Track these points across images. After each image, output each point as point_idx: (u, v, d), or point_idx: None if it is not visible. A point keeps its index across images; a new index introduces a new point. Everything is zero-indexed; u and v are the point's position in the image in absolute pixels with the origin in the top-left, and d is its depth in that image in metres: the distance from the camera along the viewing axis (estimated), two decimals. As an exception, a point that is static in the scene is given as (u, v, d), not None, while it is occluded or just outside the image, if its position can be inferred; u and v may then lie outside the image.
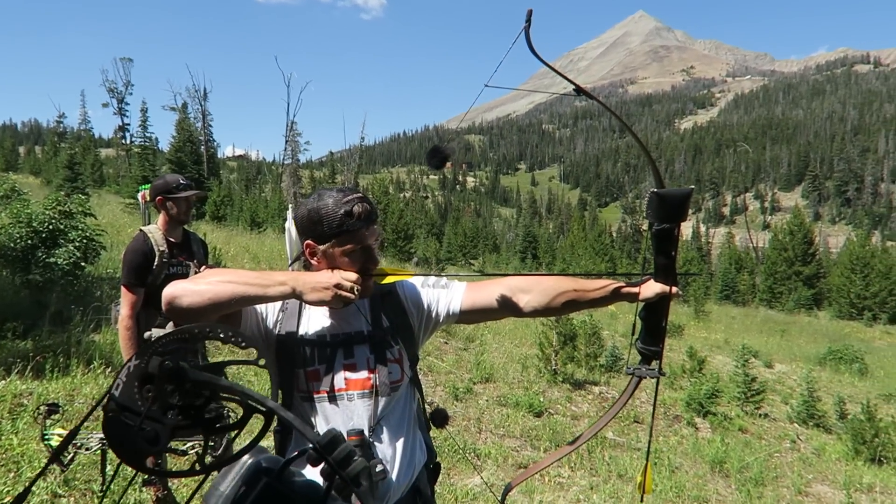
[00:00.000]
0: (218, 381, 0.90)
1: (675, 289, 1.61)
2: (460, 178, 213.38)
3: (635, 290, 1.66)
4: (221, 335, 1.00)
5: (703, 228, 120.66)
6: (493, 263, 42.26)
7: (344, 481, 0.76)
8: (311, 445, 0.79)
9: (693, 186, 1.60)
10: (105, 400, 0.87)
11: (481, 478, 4.94)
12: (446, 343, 9.61)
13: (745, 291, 40.12)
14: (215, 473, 0.89)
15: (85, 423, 0.89)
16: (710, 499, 5.84)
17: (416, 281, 1.82)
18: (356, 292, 1.53)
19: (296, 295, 1.50)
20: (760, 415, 9.87)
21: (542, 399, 7.75)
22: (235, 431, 0.94)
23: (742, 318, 28.44)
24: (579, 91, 1.50)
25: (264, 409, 0.90)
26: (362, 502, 0.78)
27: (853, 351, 17.67)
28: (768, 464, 7.36)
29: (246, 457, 0.82)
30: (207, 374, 0.90)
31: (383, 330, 1.69)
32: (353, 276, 1.55)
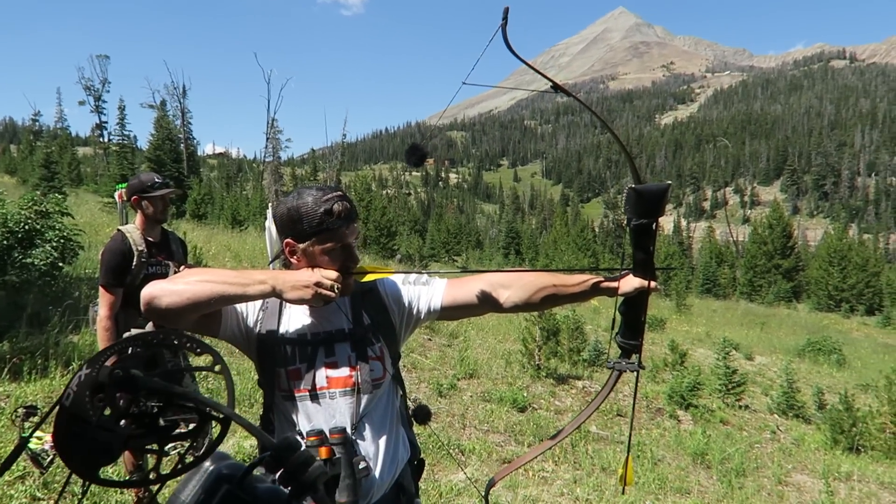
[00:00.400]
0: (172, 388, 0.89)
1: (653, 283, 1.62)
2: (443, 175, 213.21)
3: (614, 284, 1.66)
4: (175, 342, 0.98)
5: (683, 223, 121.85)
6: (477, 260, 42.35)
7: (301, 487, 0.75)
8: (268, 452, 0.79)
9: (670, 182, 1.61)
10: (55, 410, 0.85)
11: (465, 473, 4.95)
12: (430, 340, 9.61)
13: (726, 285, 40.61)
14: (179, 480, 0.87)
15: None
16: (692, 490, 5.90)
17: (397, 278, 1.81)
18: (336, 290, 1.53)
19: (276, 294, 1.49)
20: (741, 406, 10.00)
21: (525, 394, 7.78)
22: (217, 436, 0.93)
23: (723, 311, 28.76)
24: (557, 88, 1.50)
25: (220, 416, 0.89)
26: None
27: (831, 342, 17.96)
28: (749, 455, 7.45)
29: (207, 464, 0.81)
30: (161, 381, 0.89)
31: (364, 327, 1.68)
32: (334, 274, 1.54)
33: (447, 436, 5.92)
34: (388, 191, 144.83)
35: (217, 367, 1.00)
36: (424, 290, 1.78)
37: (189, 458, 0.91)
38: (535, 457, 1.79)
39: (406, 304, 1.77)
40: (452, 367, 8.45)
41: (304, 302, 1.52)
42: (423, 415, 1.84)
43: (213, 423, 0.93)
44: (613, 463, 6.03)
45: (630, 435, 1.89)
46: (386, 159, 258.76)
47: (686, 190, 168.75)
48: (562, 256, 34.54)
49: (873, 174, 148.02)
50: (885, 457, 8.41)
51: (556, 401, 8.12)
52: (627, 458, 1.68)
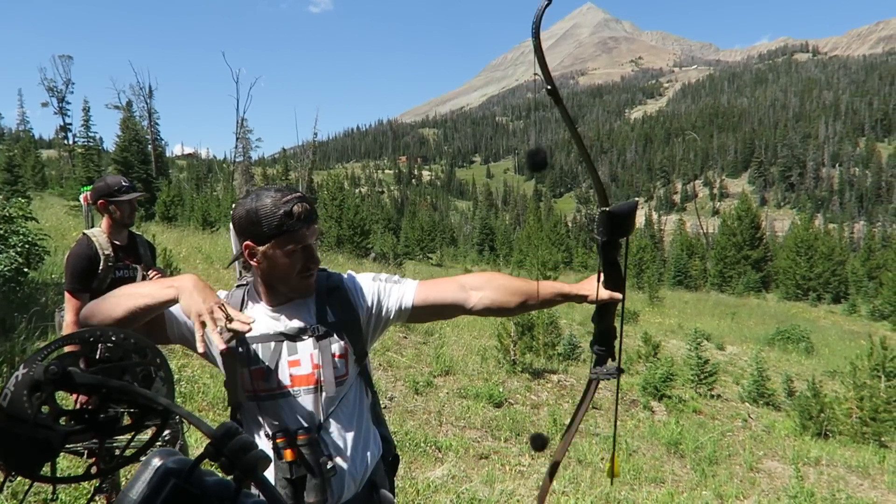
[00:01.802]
0: (107, 381, 0.91)
1: (619, 295, 1.65)
2: (415, 172, 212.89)
3: (584, 293, 1.69)
4: (113, 338, 1.00)
5: (655, 216, 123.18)
6: (451, 257, 42.41)
7: (241, 474, 0.77)
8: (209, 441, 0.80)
9: (638, 199, 1.63)
10: None
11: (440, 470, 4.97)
12: (405, 338, 9.60)
13: (697, 276, 41.16)
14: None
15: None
16: (666, 479, 6.00)
17: (367, 276, 1.81)
18: (211, 336, 1.38)
19: (176, 300, 1.45)
20: (713, 396, 10.17)
21: (501, 389, 7.82)
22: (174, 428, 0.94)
23: (694, 302, 29.17)
24: (551, 93, 1.45)
25: (160, 408, 0.90)
26: (266, 491, 0.79)
27: (800, 331, 18.34)
28: (721, 443, 7.59)
29: (156, 460, 0.82)
30: (96, 376, 0.91)
31: (328, 325, 1.68)
32: (221, 323, 1.39)
33: (424, 433, 5.92)
34: (361, 189, 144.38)
35: (157, 360, 1.02)
36: (395, 289, 1.77)
37: (128, 453, 0.94)
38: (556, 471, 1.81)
39: (375, 302, 1.76)
40: (428, 364, 8.46)
41: (187, 314, 1.42)
42: (539, 443, 1.77)
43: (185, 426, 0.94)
44: (589, 455, 6.11)
45: (615, 433, 1.92)
46: (358, 157, 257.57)
47: (656, 183, 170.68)
48: (535, 252, 34.75)
49: (837, 165, 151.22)
50: (851, 441, 8.64)
51: (532, 395, 8.17)
52: (613, 454, 1.73)
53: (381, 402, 6.48)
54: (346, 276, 1.80)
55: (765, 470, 6.97)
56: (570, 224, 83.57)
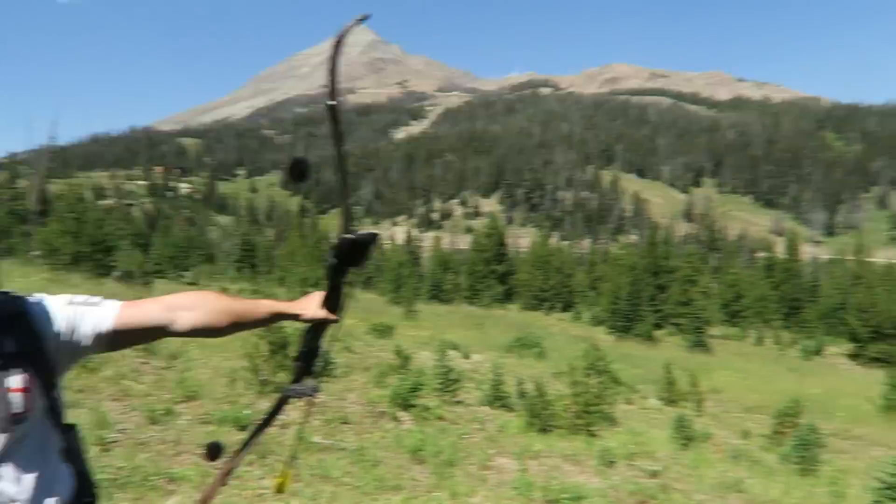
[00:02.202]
0: None
1: (334, 316, 1.74)
2: (172, 184, 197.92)
3: (297, 312, 1.75)
4: None
5: (414, 233, 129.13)
6: (208, 274, 40.15)
7: None
8: None
9: (377, 232, 1.77)
10: None
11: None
12: (145, 363, 8.92)
13: (450, 290, 43.96)
14: None
15: None
16: (405, 486, 6.33)
17: (61, 298, 1.65)
18: None
19: None
20: (457, 402, 10.95)
21: (248, 411, 7.63)
22: None
23: (447, 314, 30.98)
24: (332, 110, 1.48)
25: None
26: None
27: (534, 337, 20.53)
28: (459, 445, 8.20)
29: None
30: None
31: (6, 357, 1.51)
32: None
33: (156, 465, 5.59)
34: (108, 201, 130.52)
35: None
36: (91, 312, 1.63)
37: None
38: (216, 489, 1.84)
39: (67, 329, 1.60)
40: (170, 390, 7.98)
41: None
42: (215, 452, 1.77)
43: None
44: (334, 471, 6.23)
45: (295, 449, 2.05)
46: (106, 166, 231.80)
47: (417, 202, 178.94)
48: (297, 268, 34.38)
49: (570, 189, 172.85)
50: (568, 433, 9.90)
51: (281, 415, 8.09)
52: (285, 469, 1.82)
53: (110, 435, 6.01)
54: (32, 299, 1.62)
55: (495, 466, 7.67)
56: (333, 241, 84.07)
